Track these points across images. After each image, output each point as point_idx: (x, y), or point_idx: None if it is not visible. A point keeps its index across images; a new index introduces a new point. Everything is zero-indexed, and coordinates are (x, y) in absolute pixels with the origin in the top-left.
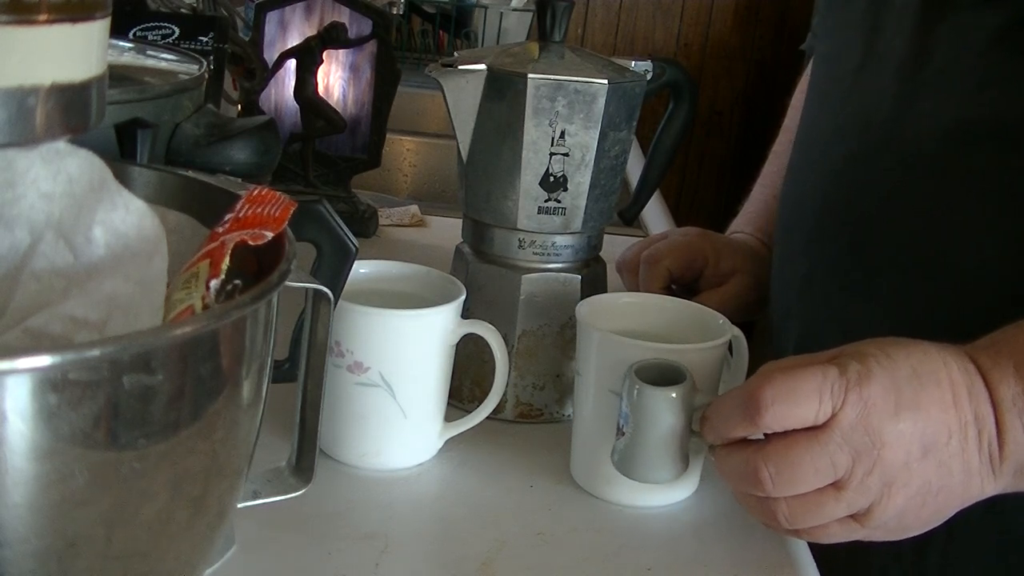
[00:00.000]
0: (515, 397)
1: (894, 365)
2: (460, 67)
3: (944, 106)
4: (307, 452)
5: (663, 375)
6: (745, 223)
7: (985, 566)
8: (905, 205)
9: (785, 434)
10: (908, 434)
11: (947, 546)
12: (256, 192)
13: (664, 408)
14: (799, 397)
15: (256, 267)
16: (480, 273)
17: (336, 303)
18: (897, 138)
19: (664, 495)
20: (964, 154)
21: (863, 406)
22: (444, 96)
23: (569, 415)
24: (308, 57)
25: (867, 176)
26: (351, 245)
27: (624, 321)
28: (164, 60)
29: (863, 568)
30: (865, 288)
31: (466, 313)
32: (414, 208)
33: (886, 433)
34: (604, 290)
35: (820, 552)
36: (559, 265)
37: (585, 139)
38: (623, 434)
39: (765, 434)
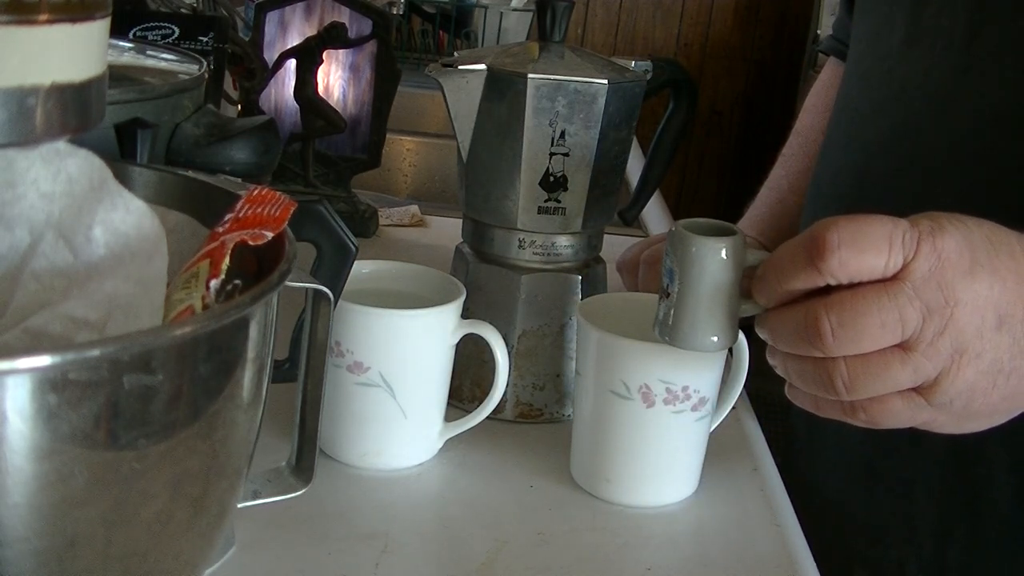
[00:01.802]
0: (515, 397)
1: (966, 227)
2: (460, 67)
3: (996, 84)
4: (307, 452)
5: (711, 232)
6: (749, 226)
7: (1009, 560)
8: (946, 184)
9: (851, 285)
10: (983, 296)
11: (970, 539)
12: (256, 192)
13: (713, 260)
14: (868, 242)
15: (256, 267)
16: (480, 273)
17: (336, 303)
18: (944, 114)
19: (664, 495)
20: (1015, 136)
21: (936, 258)
22: (444, 96)
23: (569, 415)
24: (308, 57)
25: (908, 151)
26: (351, 245)
27: (624, 321)
28: (164, 60)
29: (880, 558)
30: None
31: (466, 313)
32: (414, 208)
33: (960, 290)
34: (604, 290)
35: (836, 541)
36: (559, 265)
37: (585, 139)
38: (668, 295)
39: (828, 288)
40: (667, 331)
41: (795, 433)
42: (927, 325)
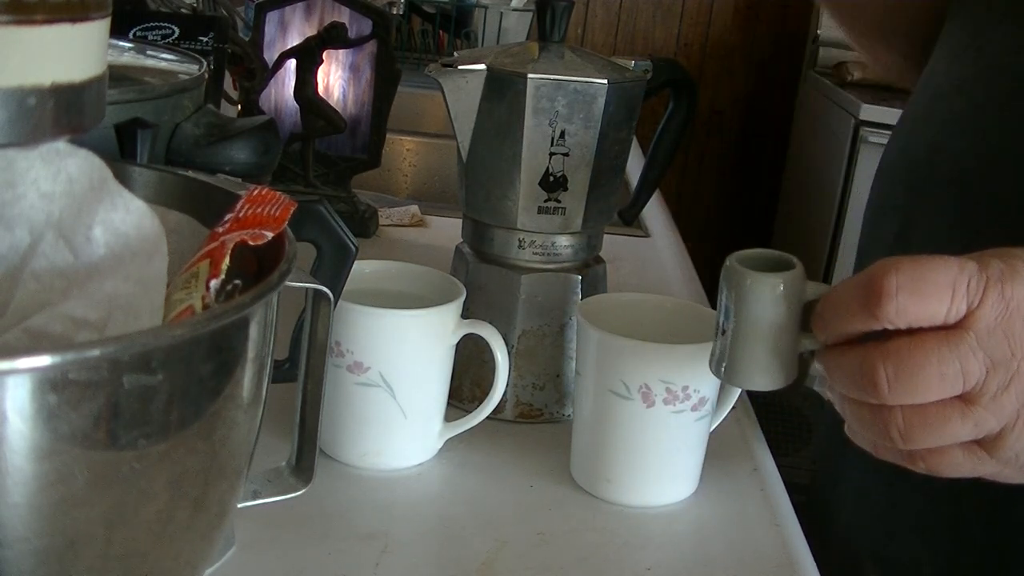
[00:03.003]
0: (515, 397)
1: None
2: (460, 67)
3: None
4: (307, 452)
5: (768, 265)
6: None
7: None
8: (1015, 167)
9: (909, 332)
10: None
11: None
12: (256, 192)
13: (770, 297)
14: (929, 288)
15: (256, 267)
16: (480, 273)
17: (336, 303)
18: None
19: (664, 495)
20: None
21: (1004, 307)
22: (444, 96)
23: (569, 415)
24: (308, 57)
25: (983, 132)
26: (351, 245)
27: (624, 321)
28: (164, 60)
29: (895, 557)
30: (962, 250)
31: (466, 313)
32: (414, 208)
33: None
34: (604, 290)
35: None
36: (559, 265)
37: (585, 139)
38: (723, 332)
39: (887, 332)
40: (723, 370)
41: (822, 446)
42: (991, 378)
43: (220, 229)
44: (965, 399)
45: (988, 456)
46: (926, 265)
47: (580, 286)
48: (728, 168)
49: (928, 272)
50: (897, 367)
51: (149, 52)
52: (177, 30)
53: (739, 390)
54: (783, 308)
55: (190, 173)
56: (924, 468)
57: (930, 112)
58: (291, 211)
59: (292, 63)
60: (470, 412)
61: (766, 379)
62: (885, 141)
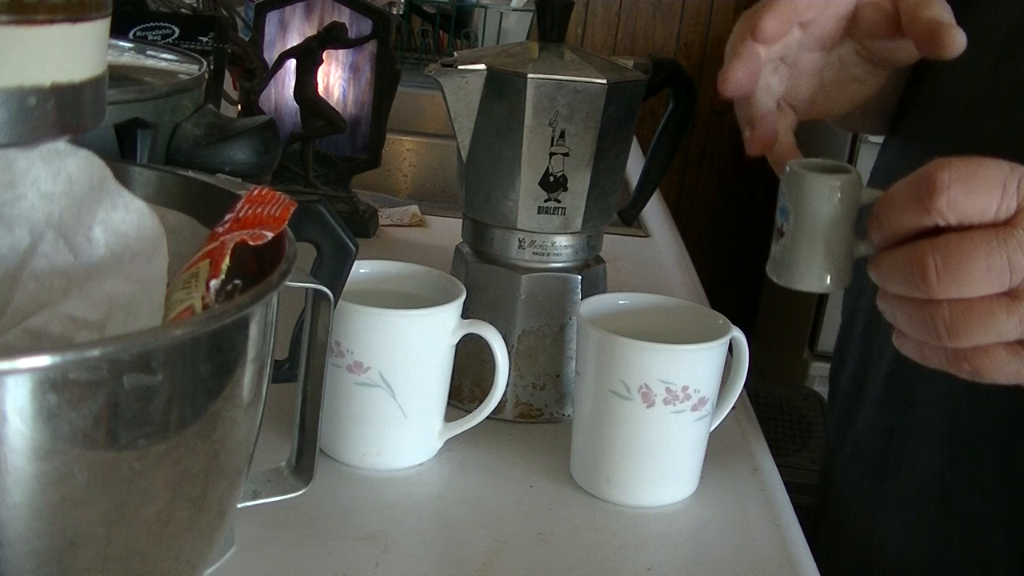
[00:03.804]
0: (515, 397)
1: None
2: (460, 67)
3: None
4: (307, 452)
5: (826, 171)
6: None
7: None
8: None
9: (960, 228)
10: None
11: None
12: (256, 192)
13: (827, 198)
14: (980, 183)
15: (256, 267)
16: (480, 273)
17: (336, 303)
18: None
19: (664, 495)
20: None
21: None
22: (444, 96)
23: (569, 415)
24: (308, 57)
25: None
26: (351, 245)
27: (624, 321)
28: (164, 60)
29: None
30: None
31: (466, 313)
32: (414, 208)
33: None
34: (604, 290)
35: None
36: (559, 265)
37: (585, 139)
38: (782, 234)
39: (938, 230)
40: (780, 270)
41: (858, 457)
42: None
43: (220, 229)
44: (1011, 295)
45: None
46: (978, 162)
47: (580, 286)
48: (728, 168)
49: (980, 168)
50: (946, 257)
51: (149, 52)
52: (177, 30)
53: (739, 390)
54: (840, 209)
55: (190, 173)
56: (969, 370)
57: (937, 137)
58: (291, 211)
59: (292, 63)
60: (470, 412)
61: (822, 280)
62: (884, 140)
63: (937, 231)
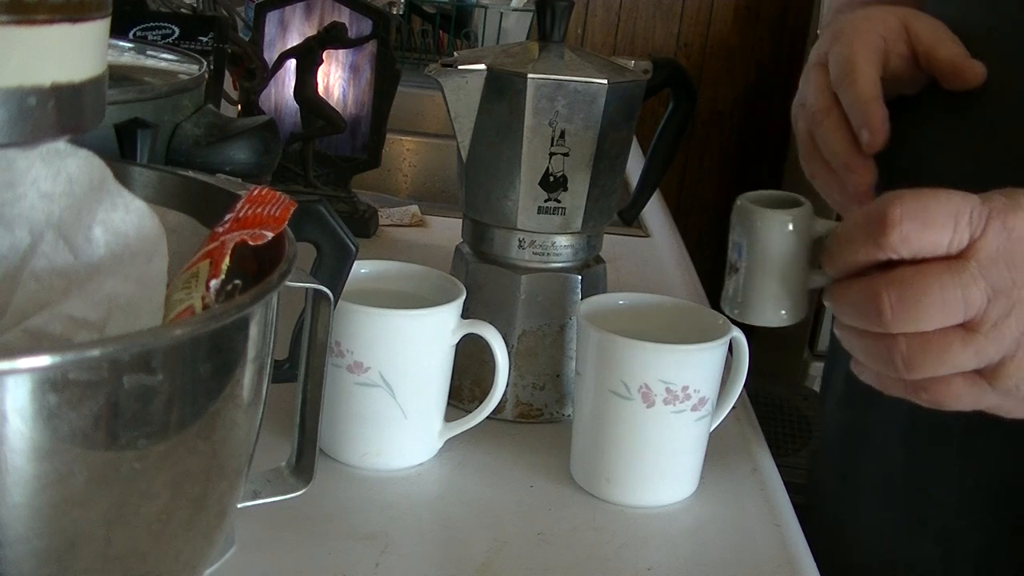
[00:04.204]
0: (515, 397)
1: None
2: (460, 67)
3: None
4: (307, 452)
5: (778, 205)
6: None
7: None
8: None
9: (913, 262)
10: None
11: None
12: (256, 192)
13: (780, 233)
14: (932, 217)
15: (256, 267)
16: (480, 273)
17: (336, 303)
18: None
19: (664, 495)
20: None
21: (1006, 238)
22: (444, 96)
23: (569, 415)
24: (308, 57)
25: (970, 149)
26: (351, 245)
27: (624, 321)
28: (164, 60)
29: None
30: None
31: (466, 313)
32: (414, 208)
33: None
34: (604, 290)
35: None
36: (559, 265)
37: (585, 139)
38: (736, 270)
39: (892, 263)
40: (736, 306)
41: (828, 451)
42: (992, 306)
43: (220, 229)
44: (966, 327)
45: (989, 386)
46: (930, 196)
47: (580, 286)
48: (728, 168)
49: (932, 202)
50: (900, 293)
51: (149, 52)
52: (177, 30)
53: (739, 390)
54: (793, 243)
55: (190, 173)
56: (927, 400)
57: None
58: (291, 211)
59: (292, 63)
60: (470, 412)
61: (777, 314)
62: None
63: (891, 262)
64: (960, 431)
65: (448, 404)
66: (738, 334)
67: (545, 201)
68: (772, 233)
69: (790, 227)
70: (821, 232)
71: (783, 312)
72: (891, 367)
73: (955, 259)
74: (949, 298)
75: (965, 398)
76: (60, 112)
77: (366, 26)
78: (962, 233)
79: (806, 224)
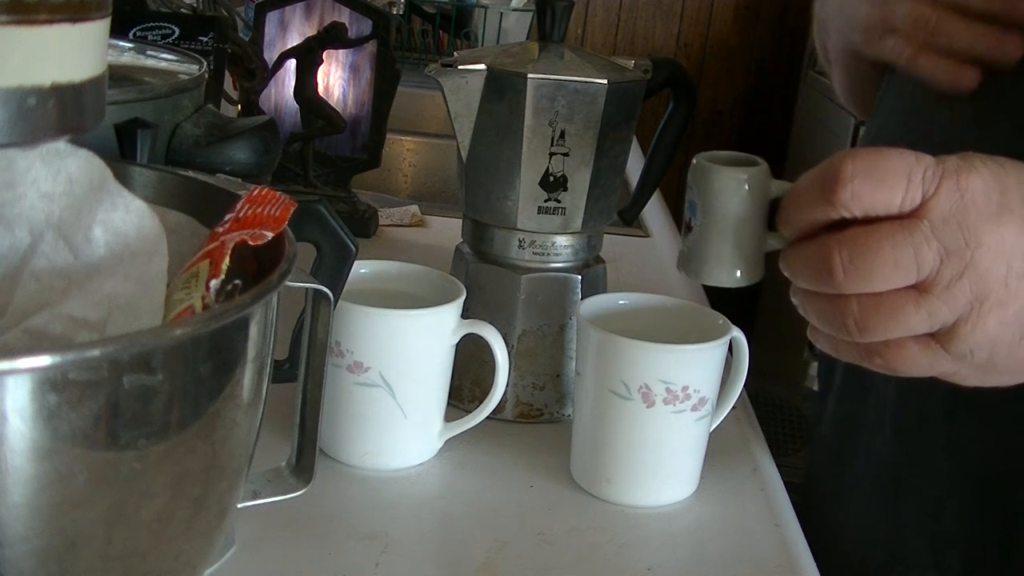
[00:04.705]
0: (515, 397)
1: (1002, 169)
2: (460, 67)
3: None
4: (307, 452)
5: (734, 164)
6: None
7: None
8: None
9: (866, 221)
10: (1010, 243)
11: (1003, 570)
12: (256, 192)
13: (735, 192)
14: (884, 175)
15: (256, 267)
16: (480, 273)
17: (336, 303)
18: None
19: (664, 495)
20: None
21: (959, 198)
22: (444, 96)
23: (569, 415)
24: (308, 57)
25: (969, 141)
26: (351, 245)
27: (624, 321)
28: (164, 60)
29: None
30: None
31: (466, 313)
32: (414, 208)
33: (984, 234)
34: (604, 290)
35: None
36: (559, 265)
37: (585, 139)
38: (690, 229)
39: (844, 224)
40: (690, 265)
41: (824, 448)
42: (944, 267)
43: (220, 229)
44: (919, 288)
45: (943, 350)
46: (882, 153)
47: (580, 286)
48: None
49: (884, 160)
50: (852, 252)
51: (149, 52)
52: (177, 30)
53: (739, 390)
54: (748, 203)
55: (190, 173)
56: (881, 364)
57: (907, 125)
58: (291, 211)
59: (292, 63)
60: (470, 412)
61: (732, 275)
62: None
63: (844, 223)
64: (944, 417)
65: (448, 404)
66: (738, 334)
67: (545, 201)
68: (727, 192)
69: (746, 186)
70: (777, 194)
71: (738, 273)
72: (844, 330)
73: (907, 218)
74: (901, 258)
75: (919, 362)
76: (60, 112)
77: (366, 26)
78: (915, 192)
79: (762, 184)
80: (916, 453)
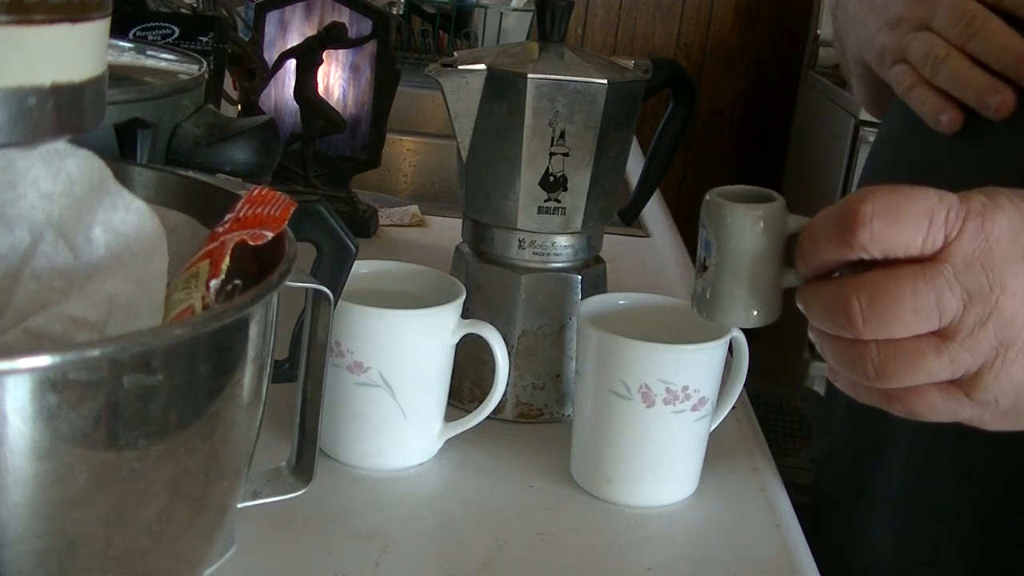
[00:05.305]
0: (515, 397)
1: None
2: (460, 67)
3: None
4: (307, 452)
5: (749, 200)
6: None
7: None
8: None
9: (885, 264)
10: None
11: None
12: (256, 192)
13: (751, 230)
14: (905, 216)
15: (256, 267)
16: (480, 273)
17: (336, 303)
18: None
19: (664, 495)
20: None
21: (984, 240)
22: (444, 96)
23: (569, 415)
24: (308, 57)
25: (987, 139)
26: (351, 245)
27: (624, 321)
28: (164, 60)
29: None
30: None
31: (466, 313)
32: (414, 208)
33: (1009, 278)
34: (604, 290)
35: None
36: (559, 265)
37: (585, 139)
38: (705, 269)
39: (864, 265)
40: (705, 307)
41: (834, 463)
42: (967, 314)
43: (220, 229)
44: (941, 335)
45: (966, 398)
46: (904, 193)
47: (580, 286)
48: (728, 168)
49: (905, 200)
50: (871, 299)
51: (149, 52)
52: (177, 30)
53: (739, 390)
54: (764, 240)
55: (190, 173)
56: (901, 409)
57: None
58: (291, 211)
59: (292, 63)
60: (470, 412)
61: (748, 315)
62: None
63: (863, 263)
64: (957, 443)
65: (448, 404)
66: (738, 334)
67: (545, 201)
68: (742, 229)
69: (761, 223)
70: (794, 229)
71: (754, 313)
72: (863, 375)
73: (929, 262)
74: (922, 304)
75: (941, 409)
76: (60, 112)
77: (366, 26)
78: (936, 233)
79: (778, 220)
80: (925, 478)
